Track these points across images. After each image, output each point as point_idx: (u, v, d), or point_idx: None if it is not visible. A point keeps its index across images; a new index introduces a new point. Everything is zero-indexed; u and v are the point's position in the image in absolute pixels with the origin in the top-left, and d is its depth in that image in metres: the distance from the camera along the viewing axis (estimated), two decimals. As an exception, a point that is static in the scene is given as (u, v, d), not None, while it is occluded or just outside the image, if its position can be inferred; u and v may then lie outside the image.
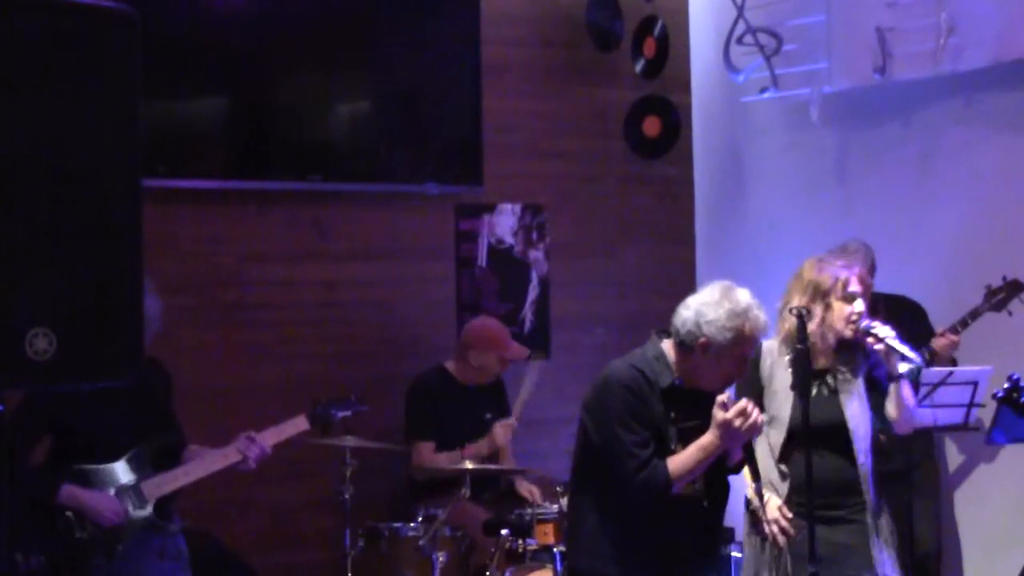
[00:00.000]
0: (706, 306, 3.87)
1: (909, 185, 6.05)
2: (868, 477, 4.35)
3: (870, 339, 4.30)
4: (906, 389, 4.37)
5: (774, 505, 4.28)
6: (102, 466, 4.52)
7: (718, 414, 3.81)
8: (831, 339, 4.34)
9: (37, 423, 4.47)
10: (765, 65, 6.42)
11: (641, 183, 7.02)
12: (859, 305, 4.32)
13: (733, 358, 3.88)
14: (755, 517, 4.36)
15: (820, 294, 4.31)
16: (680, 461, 3.83)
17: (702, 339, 3.84)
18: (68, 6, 2.37)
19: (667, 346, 3.96)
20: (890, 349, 4.28)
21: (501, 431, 5.70)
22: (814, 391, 4.32)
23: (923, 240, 5.91)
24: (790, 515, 4.25)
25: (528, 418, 6.20)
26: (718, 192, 7.09)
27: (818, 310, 4.30)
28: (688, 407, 3.92)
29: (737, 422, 3.79)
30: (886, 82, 5.95)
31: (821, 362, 4.36)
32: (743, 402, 3.83)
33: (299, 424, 4.91)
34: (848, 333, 4.32)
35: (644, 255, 6.96)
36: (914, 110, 6.04)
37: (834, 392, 4.36)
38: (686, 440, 3.89)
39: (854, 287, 4.33)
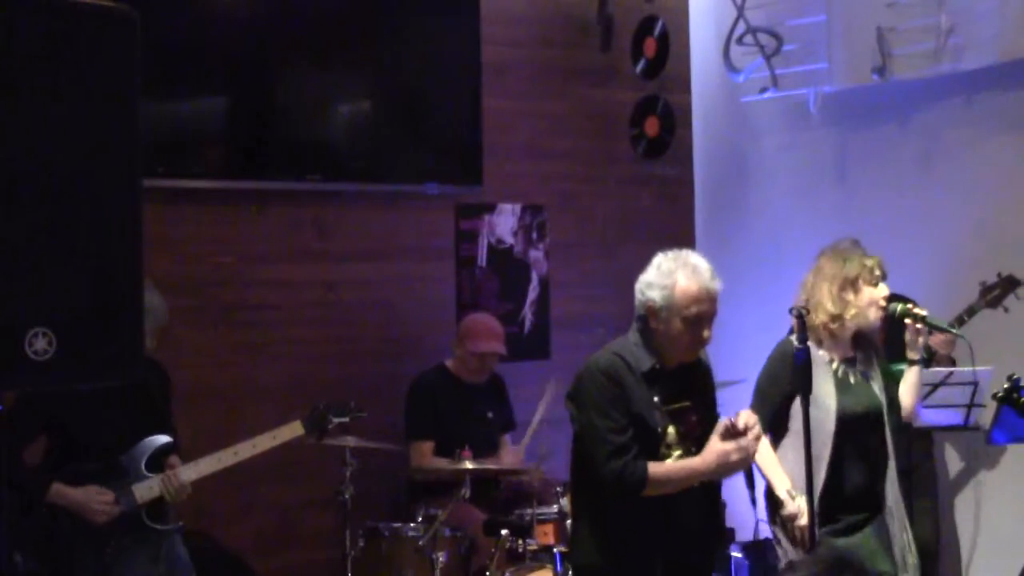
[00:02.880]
0: (647, 274, 3.95)
1: (909, 185, 6.05)
2: (895, 475, 4.40)
3: (908, 320, 4.34)
4: (919, 376, 4.42)
5: (805, 519, 4.26)
6: (95, 466, 4.51)
7: (715, 442, 3.81)
8: (854, 325, 4.37)
9: (31, 422, 4.47)
10: (765, 65, 6.42)
11: (641, 183, 7.02)
12: (884, 288, 4.37)
13: (683, 318, 3.84)
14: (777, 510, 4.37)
15: (850, 282, 4.36)
16: (665, 471, 3.81)
17: (649, 303, 3.88)
18: (68, 6, 2.37)
19: (640, 333, 3.98)
20: (926, 328, 4.34)
21: (512, 457, 5.71)
22: (851, 378, 4.36)
23: (923, 240, 5.91)
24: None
25: (528, 419, 6.20)
26: (718, 192, 7.09)
27: (850, 298, 4.34)
28: (673, 389, 3.92)
29: (734, 456, 3.80)
30: (886, 82, 5.96)
31: (846, 352, 4.40)
32: (746, 440, 3.80)
33: (294, 429, 4.90)
34: (876, 319, 4.36)
35: (644, 255, 6.89)
36: (914, 110, 6.05)
37: (866, 377, 4.40)
38: (676, 421, 3.89)
39: (879, 271, 4.39)
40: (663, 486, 3.81)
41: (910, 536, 4.41)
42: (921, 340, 4.40)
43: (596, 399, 3.84)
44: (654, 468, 3.80)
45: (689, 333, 3.86)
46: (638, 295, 3.93)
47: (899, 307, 4.37)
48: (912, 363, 4.42)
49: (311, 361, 6.03)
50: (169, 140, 5.61)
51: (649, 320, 3.89)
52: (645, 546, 3.90)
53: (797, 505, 4.25)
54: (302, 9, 5.98)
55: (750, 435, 3.82)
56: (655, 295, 3.87)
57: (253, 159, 5.92)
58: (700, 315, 3.86)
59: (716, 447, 3.80)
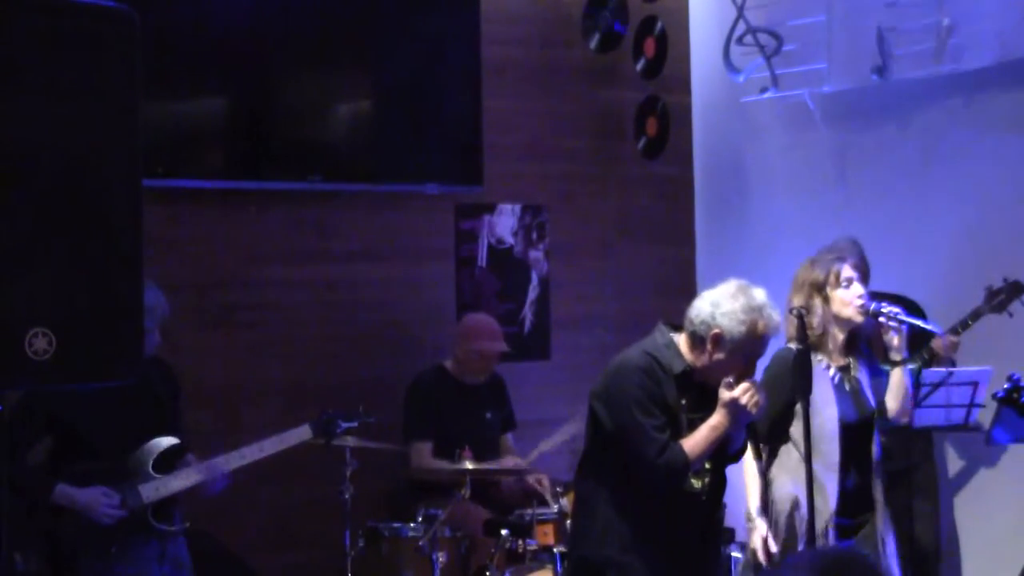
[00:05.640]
0: (723, 298, 3.91)
1: (909, 185, 6.05)
2: (878, 476, 4.40)
3: (882, 319, 4.33)
4: (905, 377, 4.41)
5: (758, 537, 4.28)
6: (102, 467, 4.51)
7: (724, 393, 3.85)
8: (838, 332, 4.36)
9: (35, 423, 4.46)
10: (765, 65, 6.41)
11: (641, 183, 7.02)
12: (858, 287, 4.35)
13: (743, 355, 3.89)
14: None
15: (816, 288, 4.36)
16: (694, 441, 3.86)
17: (716, 330, 3.86)
18: (68, 6, 2.37)
19: (678, 338, 3.99)
20: (903, 326, 4.33)
21: (511, 459, 5.74)
22: (847, 385, 4.36)
23: (923, 240, 5.90)
24: (774, 550, 4.26)
25: (528, 418, 6.21)
26: (718, 192, 7.08)
27: (818, 304, 4.33)
28: (698, 397, 3.95)
29: (744, 399, 3.83)
30: (886, 82, 5.95)
31: (839, 360, 4.39)
32: (748, 382, 3.86)
33: (302, 434, 4.90)
34: (858, 318, 4.34)
35: (644, 255, 6.96)
36: (914, 110, 6.04)
37: (860, 386, 4.39)
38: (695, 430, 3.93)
39: (848, 273, 4.37)
40: (701, 456, 3.88)
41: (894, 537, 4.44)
42: (898, 340, 4.38)
43: (638, 396, 3.86)
44: (687, 444, 3.86)
45: (743, 368, 3.91)
46: (704, 316, 3.88)
47: (871, 307, 4.36)
48: (895, 364, 4.41)
49: (311, 361, 6.03)
50: (169, 140, 5.61)
51: (707, 343, 3.89)
52: (654, 543, 3.93)
53: (755, 526, 4.29)
54: (302, 9, 5.98)
55: (750, 382, 3.88)
56: (729, 325, 3.85)
57: (253, 160, 5.92)
58: (758, 356, 3.95)
59: (724, 397, 3.85)
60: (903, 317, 4.34)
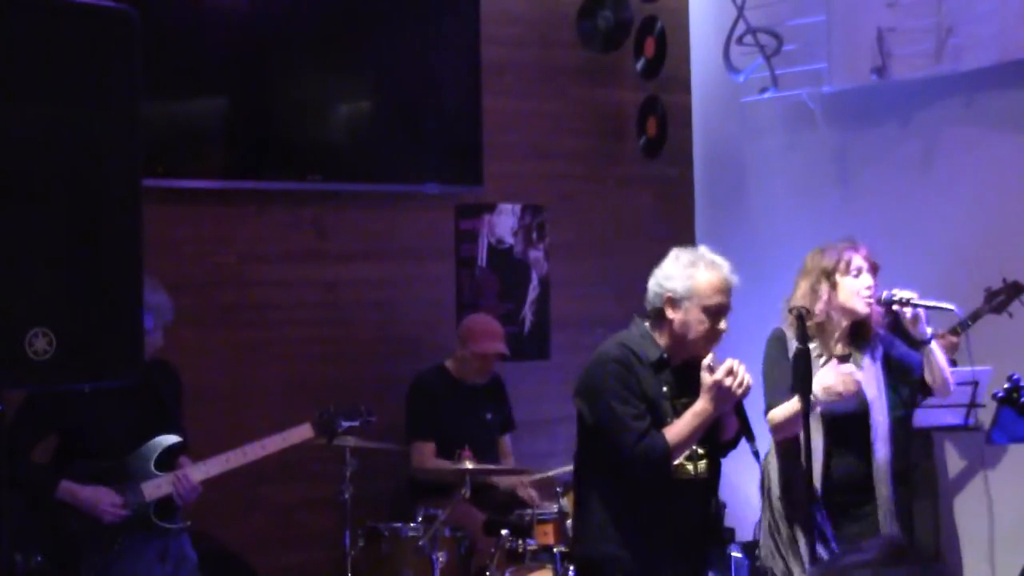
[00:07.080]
0: (664, 266, 3.98)
1: (909, 185, 6.05)
2: (884, 470, 4.36)
3: (895, 306, 4.31)
4: (939, 352, 4.39)
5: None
6: (105, 465, 4.52)
7: (706, 377, 3.82)
8: (842, 319, 4.35)
9: (39, 422, 4.48)
10: (765, 65, 6.42)
11: (641, 183, 7.02)
12: (867, 278, 4.34)
13: (702, 310, 3.88)
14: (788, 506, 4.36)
15: (825, 274, 4.35)
16: (677, 429, 3.84)
17: (667, 295, 3.90)
18: (68, 6, 2.37)
19: (650, 326, 4.00)
20: (918, 309, 4.30)
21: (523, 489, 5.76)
22: None
23: (923, 240, 5.90)
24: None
25: (528, 418, 6.21)
26: (718, 192, 7.08)
27: (824, 289, 4.32)
28: (680, 383, 3.94)
29: (727, 381, 3.79)
30: (886, 82, 5.95)
31: (839, 348, 4.37)
32: (729, 361, 3.82)
33: (303, 432, 4.90)
34: (863, 309, 4.33)
35: (644, 255, 6.91)
36: (914, 110, 6.04)
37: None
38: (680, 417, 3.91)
39: (858, 263, 4.35)
40: (683, 444, 3.85)
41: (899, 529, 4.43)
42: (917, 324, 4.36)
43: (614, 386, 3.86)
44: (669, 432, 3.84)
45: (708, 323, 3.89)
46: (654, 288, 3.95)
47: (883, 294, 4.35)
48: (923, 344, 4.39)
49: (311, 361, 6.03)
50: (169, 140, 5.62)
51: (666, 311, 3.91)
52: (652, 536, 3.92)
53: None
54: (302, 9, 5.98)
55: (732, 362, 3.82)
56: (676, 285, 3.90)
57: (253, 159, 5.92)
58: (720, 306, 3.91)
59: (707, 382, 3.82)
60: (916, 301, 4.32)
